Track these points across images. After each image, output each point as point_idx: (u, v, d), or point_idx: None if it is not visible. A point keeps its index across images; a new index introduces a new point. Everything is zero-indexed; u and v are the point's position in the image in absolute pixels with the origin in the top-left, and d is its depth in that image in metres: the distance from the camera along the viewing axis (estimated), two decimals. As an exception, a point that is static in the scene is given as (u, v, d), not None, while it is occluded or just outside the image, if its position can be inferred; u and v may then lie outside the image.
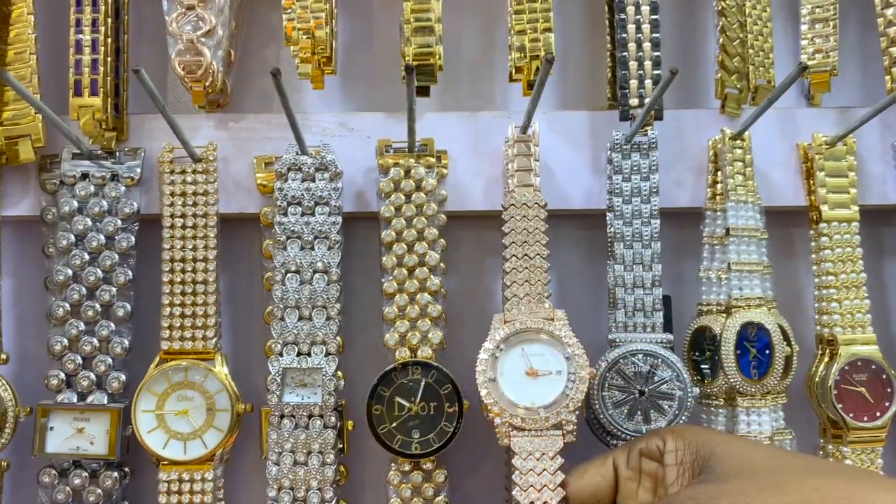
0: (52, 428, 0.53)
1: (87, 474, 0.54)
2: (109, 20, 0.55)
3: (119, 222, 0.55)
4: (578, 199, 0.58)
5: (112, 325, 0.55)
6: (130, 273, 0.55)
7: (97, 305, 0.55)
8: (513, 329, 0.51)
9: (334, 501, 0.53)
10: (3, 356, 0.55)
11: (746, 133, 0.56)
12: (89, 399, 0.54)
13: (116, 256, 0.55)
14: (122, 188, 0.56)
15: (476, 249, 0.61)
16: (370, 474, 0.59)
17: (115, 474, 0.54)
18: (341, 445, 0.54)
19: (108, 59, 0.55)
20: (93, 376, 0.54)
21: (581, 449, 0.56)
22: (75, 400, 0.54)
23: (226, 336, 0.58)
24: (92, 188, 0.56)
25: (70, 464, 0.54)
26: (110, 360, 0.54)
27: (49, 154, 0.57)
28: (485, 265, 0.61)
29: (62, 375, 0.54)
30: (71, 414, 0.54)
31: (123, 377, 0.54)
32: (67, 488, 0.53)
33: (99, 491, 0.53)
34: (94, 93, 0.54)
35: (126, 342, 0.55)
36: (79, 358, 0.54)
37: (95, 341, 0.54)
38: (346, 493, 0.57)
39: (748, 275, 0.54)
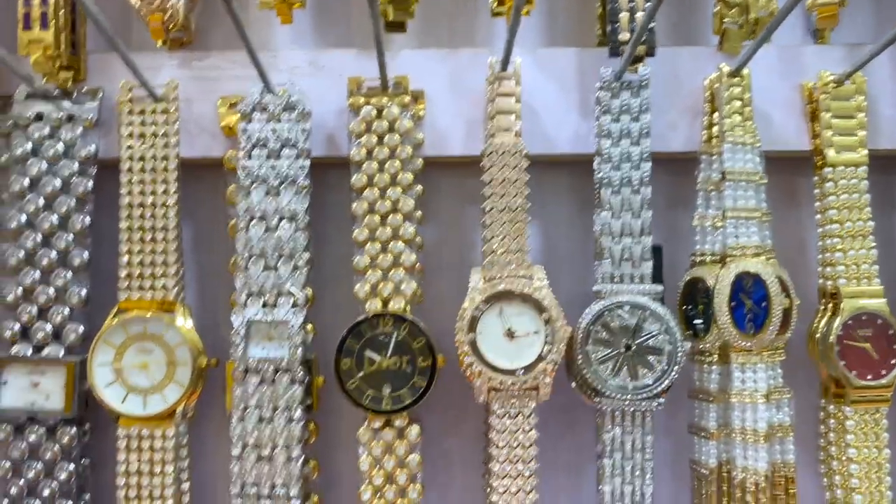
0: (5, 382, 0.51)
1: (43, 430, 0.51)
2: (62, -52, 0.51)
3: (76, 166, 0.52)
4: (565, 143, 0.54)
5: (69, 273, 0.52)
6: (88, 219, 0.52)
7: (53, 253, 0.52)
8: (492, 291, 0.48)
9: (301, 459, 0.50)
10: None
11: (746, 70, 0.52)
12: (45, 352, 0.51)
13: (73, 202, 0.52)
14: (79, 130, 0.53)
15: (456, 197, 0.57)
16: (344, 432, 0.56)
17: (73, 430, 0.51)
18: (310, 402, 0.51)
19: (62, -10, 0.51)
20: (49, 328, 0.51)
21: (565, 406, 0.54)
22: (30, 353, 0.51)
23: (191, 288, 0.55)
24: (47, 130, 0.53)
25: (26, 419, 0.51)
26: (67, 310, 0.52)
27: (2, 95, 0.54)
28: (465, 214, 0.57)
29: (17, 327, 0.51)
30: (26, 367, 0.51)
31: (81, 329, 0.52)
32: (23, 445, 0.51)
33: (56, 447, 0.51)
34: (44, 26, 0.51)
35: (84, 292, 0.52)
36: (34, 308, 0.51)
37: (52, 291, 0.51)
38: (318, 452, 0.54)
39: (745, 221, 0.50)
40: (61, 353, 0.51)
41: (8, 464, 0.51)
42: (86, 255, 0.52)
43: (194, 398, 0.52)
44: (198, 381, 0.51)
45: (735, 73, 0.51)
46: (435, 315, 0.52)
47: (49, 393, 0.51)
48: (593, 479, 0.52)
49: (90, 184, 0.52)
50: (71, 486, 0.50)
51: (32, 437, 0.51)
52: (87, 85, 0.54)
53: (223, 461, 0.56)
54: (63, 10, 0.51)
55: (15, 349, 0.51)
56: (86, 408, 0.52)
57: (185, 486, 0.53)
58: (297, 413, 0.50)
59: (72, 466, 0.50)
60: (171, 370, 0.51)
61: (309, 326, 0.51)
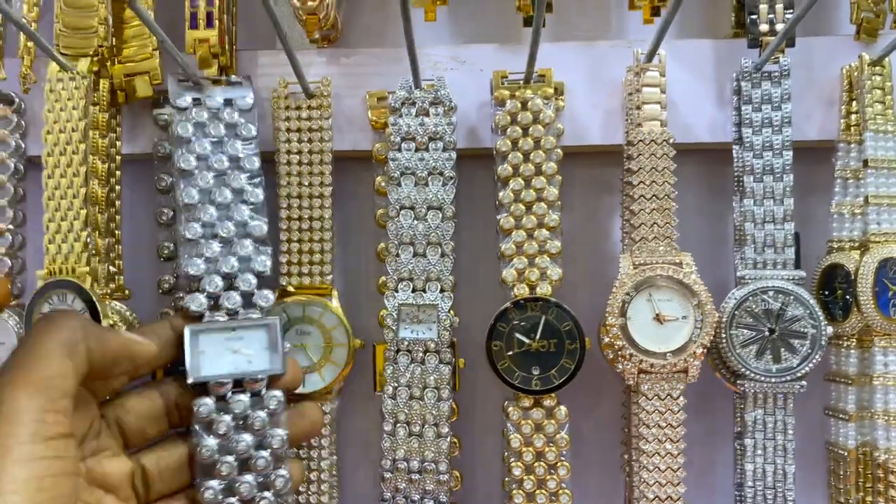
0: (202, 352, 0.46)
1: (248, 400, 0.46)
2: (223, -47, 0.54)
3: (241, 144, 0.54)
4: (702, 132, 0.55)
5: (251, 243, 0.50)
6: (261, 192, 0.52)
7: (231, 225, 0.48)
8: (643, 276, 0.49)
9: (449, 437, 0.53)
10: (127, 291, 0.56)
11: (886, 59, 0.52)
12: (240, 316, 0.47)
13: (244, 176, 0.51)
14: (237, 112, 0.54)
15: (590, 186, 0.59)
16: (479, 412, 0.58)
17: (280, 394, 0.46)
18: (454, 382, 0.54)
19: (222, -9, 0.54)
20: (237, 297, 0.47)
21: (698, 386, 0.55)
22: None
23: (336, 273, 0.58)
24: (205, 114, 0.55)
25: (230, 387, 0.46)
26: (255, 279, 0.48)
27: (162, 90, 0.57)
28: (600, 203, 0.59)
29: (202, 299, 0.47)
30: (223, 335, 0.47)
31: (272, 296, 0.48)
32: (229, 417, 0.45)
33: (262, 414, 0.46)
34: (209, 25, 0.54)
35: (268, 260, 0.49)
36: (219, 280, 0.47)
37: (236, 261, 0.48)
38: (455, 430, 0.57)
39: (888, 208, 0.51)
40: (257, 315, 0.48)
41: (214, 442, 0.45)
42: (265, 225, 0.49)
43: (345, 376, 0.55)
44: (350, 360, 0.54)
45: (877, 62, 0.52)
46: (569, 300, 0.54)
47: (251, 356, 0.47)
48: (725, 460, 0.53)
49: (257, 161, 0.53)
50: (284, 454, 0.46)
51: (239, 408, 0.45)
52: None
53: (364, 435, 0.60)
54: (226, 14, 0.54)
55: (207, 318, 0.47)
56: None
57: (334, 458, 0.56)
58: (446, 392, 0.53)
59: (283, 432, 0.46)
60: (327, 351, 0.54)
61: (452, 311, 0.54)
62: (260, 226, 0.50)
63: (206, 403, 0.45)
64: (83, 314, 0.51)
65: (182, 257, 0.49)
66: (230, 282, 0.48)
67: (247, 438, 0.44)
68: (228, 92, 0.53)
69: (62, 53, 0.54)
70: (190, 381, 0.45)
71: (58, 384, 0.36)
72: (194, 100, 0.52)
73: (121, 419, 0.41)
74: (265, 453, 0.44)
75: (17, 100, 0.56)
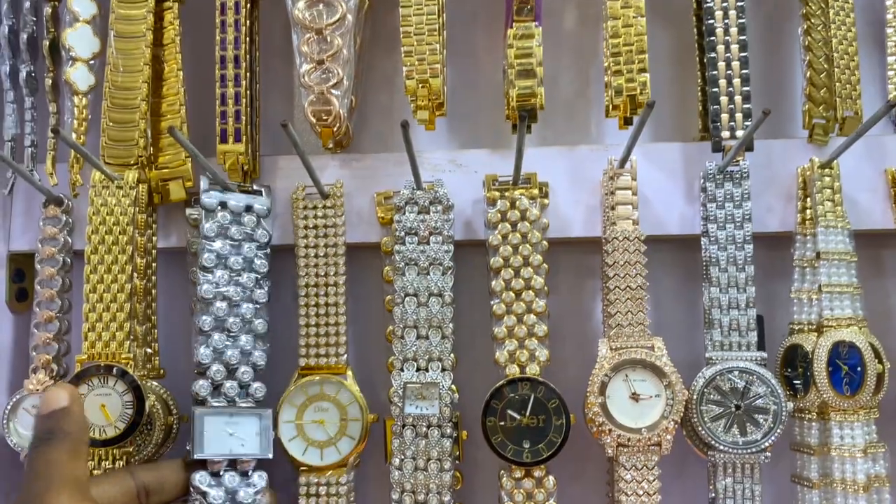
0: (205, 433, 0.57)
1: (238, 477, 0.57)
2: (248, 74, 0.62)
3: (255, 248, 0.62)
4: (674, 226, 0.62)
5: (252, 338, 0.60)
6: (265, 295, 0.61)
7: (239, 321, 0.59)
8: (619, 359, 0.56)
9: (451, 504, 0.58)
10: (162, 371, 0.63)
11: (835, 162, 0.59)
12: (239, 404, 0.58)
13: (254, 277, 0.60)
14: (255, 219, 0.62)
15: (574, 272, 0.65)
16: (481, 481, 0.64)
17: (265, 475, 0.58)
18: (458, 453, 0.60)
19: (248, 109, 0.62)
20: (237, 386, 0.58)
21: (679, 457, 0.61)
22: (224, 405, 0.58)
23: (350, 353, 0.64)
24: (229, 217, 0.62)
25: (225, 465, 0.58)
26: (252, 371, 0.59)
27: (193, 192, 0.64)
28: (584, 287, 0.65)
29: (208, 386, 0.58)
30: (222, 418, 0.58)
31: (264, 388, 0.59)
32: (221, 490, 0.57)
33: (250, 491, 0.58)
34: (237, 139, 0.61)
35: (264, 357, 0.60)
36: (223, 369, 0.58)
37: (238, 353, 0.59)
38: (460, 498, 0.62)
39: (839, 296, 0.57)
40: (252, 404, 0.59)
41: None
42: (266, 324, 0.60)
43: (361, 449, 0.61)
44: (365, 434, 0.60)
45: (826, 164, 0.59)
46: (559, 377, 0.59)
47: (244, 440, 0.58)
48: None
49: (267, 264, 0.62)
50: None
51: (231, 483, 0.57)
52: (260, 182, 0.65)
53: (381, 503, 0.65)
54: (250, 126, 0.62)
55: (211, 402, 0.59)
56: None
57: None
58: (448, 463, 0.58)
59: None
60: (343, 426, 0.60)
61: (454, 387, 0.60)
62: (262, 323, 0.59)
63: (204, 476, 0.56)
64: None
65: (194, 346, 0.59)
66: (232, 371, 0.59)
67: None
68: (250, 199, 0.61)
69: (106, 162, 0.61)
70: (195, 457, 0.56)
71: None
72: (220, 203, 0.60)
73: None
74: None
75: (66, 201, 0.64)
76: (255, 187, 0.63)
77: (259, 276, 0.61)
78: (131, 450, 0.58)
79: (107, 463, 0.58)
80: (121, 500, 0.51)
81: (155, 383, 0.62)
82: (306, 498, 0.59)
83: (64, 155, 0.65)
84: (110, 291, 0.59)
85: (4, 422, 0.61)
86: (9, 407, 0.61)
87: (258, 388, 0.59)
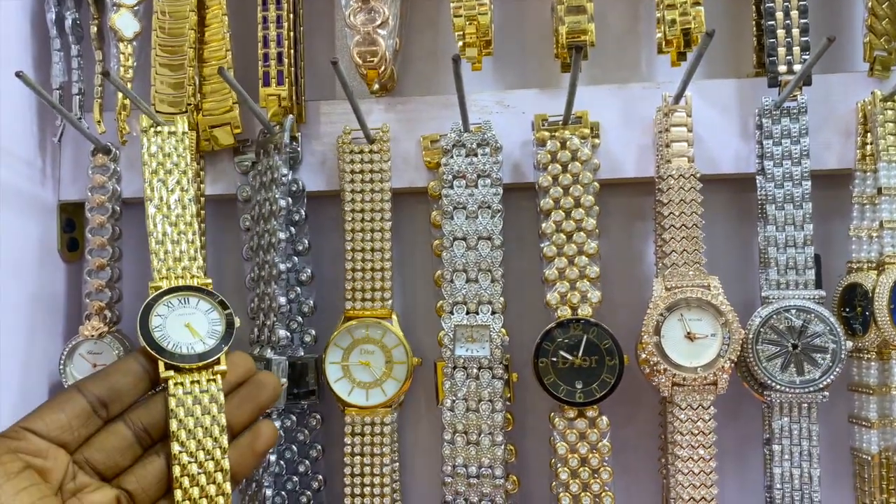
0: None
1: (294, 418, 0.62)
2: (291, 16, 0.61)
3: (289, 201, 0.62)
4: (728, 165, 0.60)
5: (299, 287, 0.62)
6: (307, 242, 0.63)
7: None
8: (674, 299, 0.55)
9: (503, 445, 0.58)
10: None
11: (897, 94, 0.57)
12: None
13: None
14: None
15: (625, 214, 0.64)
16: (532, 422, 0.64)
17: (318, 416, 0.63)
18: (508, 395, 0.60)
19: (291, 51, 0.61)
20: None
21: (735, 398, 0.60)
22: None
23: (396, 297, 0.64)
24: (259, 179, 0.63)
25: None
26: (300, 317, 0.61)
27: (241, 139, 0.64)
28: (635, 229, 0.64)
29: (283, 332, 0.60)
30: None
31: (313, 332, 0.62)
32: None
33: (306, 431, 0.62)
34: (280, 82, 0.61)
35: (311, 302, 0.62)
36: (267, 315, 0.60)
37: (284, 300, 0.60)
38: (511, 439, 0.62)
39: (902, 232, 0.55)
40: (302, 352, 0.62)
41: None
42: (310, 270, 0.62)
43: (405, 390, 0.61)
44: (409, 376, 0.61)
45: (888, 97, 0.57)
46: (608, 319, 0.59)
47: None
48: (756, 464, 0.58)
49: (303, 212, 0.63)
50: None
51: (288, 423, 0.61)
52: (305, 128, 0.65)
53: (422, 444, 0.65)
54: (293, 69, 0.61)
55: (256, 352, 0.61)
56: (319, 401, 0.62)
57: (395, 465, 0.62)
58: (499, 404, 0.58)
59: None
60: (389, 368, 0.60)
61: (503, 330, 0.60)
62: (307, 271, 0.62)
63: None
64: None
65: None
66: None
67: None
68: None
69: (157, 110, 0.61)
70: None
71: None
72: (253, 163, 0.61)
73: (91, 459, 0.43)
74: None
75: (114, 150, 0.64)
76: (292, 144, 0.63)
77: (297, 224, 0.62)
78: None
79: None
80: (75, 424, 0.43)
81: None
82: (351, 437, 0.60)
83: (110, 104, 0.65)
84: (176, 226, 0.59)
85: (61, 367, 0.62)
86: (65, 352, 0.62)
87: (306, 333, 0.61)
